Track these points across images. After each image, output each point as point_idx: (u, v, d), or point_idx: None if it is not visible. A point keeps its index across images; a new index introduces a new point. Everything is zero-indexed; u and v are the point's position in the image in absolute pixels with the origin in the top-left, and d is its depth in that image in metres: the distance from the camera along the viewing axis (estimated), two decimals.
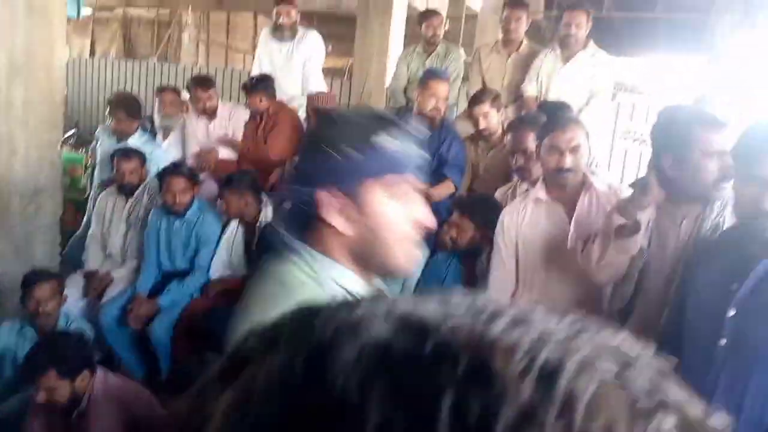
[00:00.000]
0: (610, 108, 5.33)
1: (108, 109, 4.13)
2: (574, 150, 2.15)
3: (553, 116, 2.76)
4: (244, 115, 4.18)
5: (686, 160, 1.72)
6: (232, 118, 4.20)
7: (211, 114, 4.19)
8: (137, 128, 4.08)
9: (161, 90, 4.52)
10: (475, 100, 3.49)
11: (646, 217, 1.77)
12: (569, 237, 2.21)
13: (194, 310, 3.26)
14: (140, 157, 3.61)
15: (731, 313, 1.37)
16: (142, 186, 3.64)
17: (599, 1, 9.29)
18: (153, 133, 4.50)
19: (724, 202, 1.75)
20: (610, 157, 5.44)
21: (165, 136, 4.37)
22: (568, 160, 2.15)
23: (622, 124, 5.75)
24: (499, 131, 3.50)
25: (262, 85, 3.99)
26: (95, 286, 3.46)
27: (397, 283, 2.95)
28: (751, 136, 1.41)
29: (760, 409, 1.33)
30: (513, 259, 2.38)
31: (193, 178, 3.38)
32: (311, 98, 3.89)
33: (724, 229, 1.70)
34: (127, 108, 4.04)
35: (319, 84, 4.61)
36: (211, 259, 3.38)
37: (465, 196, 3.20)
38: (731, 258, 1.43)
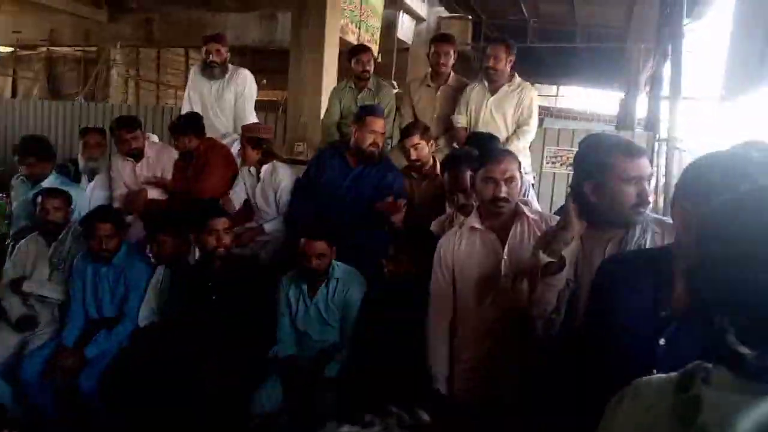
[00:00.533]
0: (538, 134, 5.54)
1: (16, 156, 3.95)
2: (509, 180, 2.24)
3: (484, 147, 2.85)
4: (172, 154, 4.08)
5: (605, 186, 1.79)
6: (160, 158, 4.07)
7: (137, 155, 4.05)
8: (51, 170, 3.92)
9: (85, 131, 4.36)
10: (405, 133, 3.56)
11: (570, 249, 1.81)
12: (502, 264, 2.28)
13: (124, 360, 3.11)
14: (65, 196, 3.47)
15: (662, 342, 1.38)
16: (66, 229, 3.48)
17: (524, 33, 9.72)
18: (77, 176, 4.33)
19: (644, 225, 1.82)
20: (539, 181, 5.62)
21: (90, 179, 4.20)
22: (504, 190, 2.23)
23: (549, 149, 5.97)
24: (431, 162, 3.58)
25: (189, 124, 3.91)
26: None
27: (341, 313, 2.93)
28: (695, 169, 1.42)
29: None
30: (450, 287, 2.44)
31: (119, 222, 3.26)
32: (246, 128, 3.83)
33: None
34: (36, 151, 3.88)
35: (252, 120, 4.57)
36: (140, 305, 3.25)
37: (399, 231, 3.23)
38: (652, 278, 1.45)
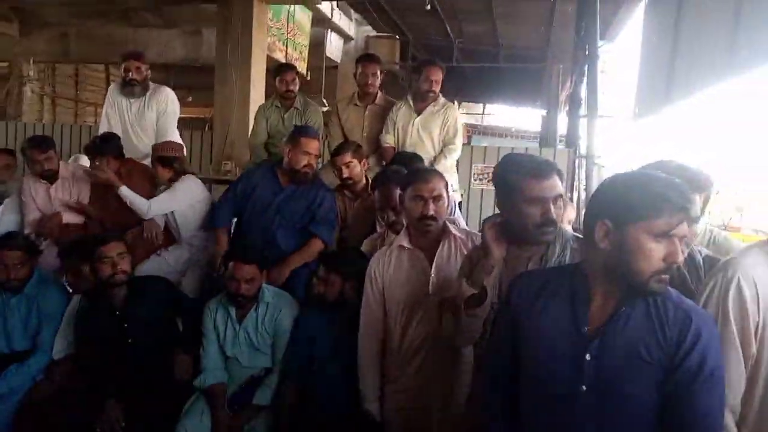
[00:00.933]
0: (465, 152, 5.67)
1: None
2: (437, 199, 2.28)
3: (411, 167, 2.89)
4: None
5: (512, 206, 1.84)
6: (76, 180, 3.86)
7: (51, 177, 3.82)
8: None
9: None
10: (337, 151, 3.56)
11: (493, 274, 1.84)
12: (430, 283, 2.30)
13: (39, 395, 2.91)
14: None
15: (588, 357, 1.39)
16: None
17: (449, 52, 9.97)
18: None
19: (564, 242, 1.88)
20: (467, 198, 5.75)
21: None
22: (431, 208, 2.26)
23: (476, 166, 6.12)
24: (363, 181, 3.59)
25: (107, 146, 3.74)
26: None
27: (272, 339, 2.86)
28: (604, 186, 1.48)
29: None
30: (381, 307, 2.44)
31: (30, 249, 3.07)
32: (155, 147, 3.71)
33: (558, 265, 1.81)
34: None
35: (174, 140, 4.43)
36: (55, 336, 3.05)
37: (330, 251, 3.21)
38: (567, 296, 1.47)
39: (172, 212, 3.61)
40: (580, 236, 1.99)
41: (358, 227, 3.59)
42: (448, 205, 2.42)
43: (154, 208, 3.54)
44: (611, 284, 1.42)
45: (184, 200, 3.58)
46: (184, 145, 4.33)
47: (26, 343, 3.07)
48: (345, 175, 3.50)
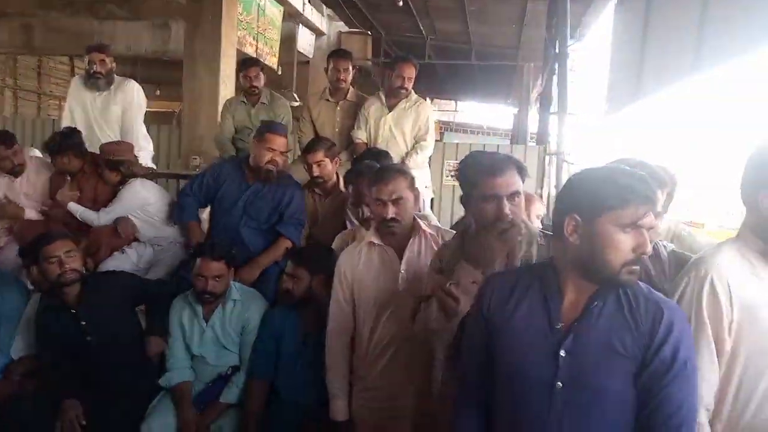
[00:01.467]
0: (437, 148, 5.67)
1: None
2: (397, 201, 2.25)
3: (377, 167, 2.87)
4: (51, 171, 3.78)
5: (469, 203, 1.88)
6: (39, 175, 3.77)
7: (19, 172, 3.72)
8: None
9: None
10: (309, 149, 3.50)
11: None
12: (399, 278, 2.29)
13: None
14: None
15: (562, 353, 1.39)
16: None
17: (422, 49, 9.98)
18: None
19: (530, 238, 1.88)
20: (439, 195, 5.76)
21: None
22: (391, 211, 2.24)
23: (448, 162, 6.13)
24: (334, 179, 3.55)
25: (68, 142, 3.61)
26: None
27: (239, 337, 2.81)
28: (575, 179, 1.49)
29: None
30: (350, 304, 2.42)
31: None
32: (102, 150, 3.59)
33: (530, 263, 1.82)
34: None
35: (141, 135, 4.34)
36: (13, 337, 2.95)
37: (298, 248, 3.17)
38: (538, 293, 1.48)
39: None
40: (547, 232, 2.00)
41: (328, 225, 3.56)
42: (416, 202, 2.39)
43: (102, 218, 3.48)
44: (582, 279, 1.42)
45: (132, 205, 3.50)
46: (144, 145, 4.22)
47: None
48: (316, 174, 3.46)
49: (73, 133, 3.71)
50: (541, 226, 2.28)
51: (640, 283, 1.43)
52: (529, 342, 1.44)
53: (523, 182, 1.86)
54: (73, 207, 3.48)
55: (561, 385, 1.38)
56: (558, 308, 1.44)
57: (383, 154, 3.44)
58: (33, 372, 2.89)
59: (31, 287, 3.11)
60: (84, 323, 2.77)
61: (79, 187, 3.65)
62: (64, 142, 3.60)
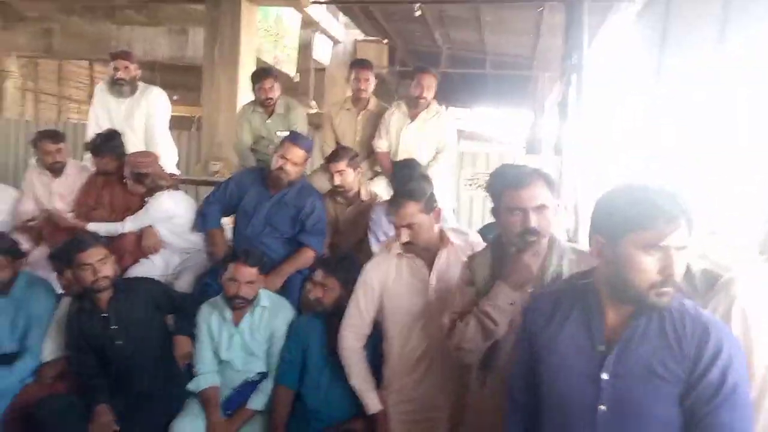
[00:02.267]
0: (455, 157, 5.69)
1: None
2: (410, 226, 2.31)
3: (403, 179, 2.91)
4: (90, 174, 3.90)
5: (498, 216, 1.91)
6: (77, 179, 3.87)
7: (58, 170, 3.85)
8: None
9: None
10: (331, 158, 3.54)
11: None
12: (430, 289, 2.32)
13: (27, 398, 2.86)
14: None
15: (605, 376, 1.36)
16: None
17: (437, 59, 10.03)
18: None
19: (561, 253, 1.90)
20: (457, 203, 5.78)
21: None
22: (405, 235, 2.32)
23: (466, 171, 6.15)
24: (356, 188, 3.59)
25: (109, 144, 3.71)
26: None
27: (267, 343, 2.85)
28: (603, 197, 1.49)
29: None
30: (372, 310, 2.47)
31: (13, 252, 3.01)
32: (129, 162, 3.62)
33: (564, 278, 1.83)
34: None
35: (164, 142, 4.40)
36: (44, 339, 3.01)
37: (329, 256, 3.20)
38: (581, 314, 1.46)
39: None
40: (577, 246, 2.02)
41: (350, 233, 3.61)
42: (437, 218, 2.41)
43: (126, 226, 3.52)
44: (619, 299, 1.39)
45: (158, 218, 3.53)
46: (167, 152, 4.27)
47: (14, 346, 3.02)
48: (337, 183, 3.50)
49: (113, 135, 3.80)
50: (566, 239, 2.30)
51: (687, 301, 1.40)
52: (571, 364, 1.43)
53: (552, 195, 1.88)
54: (93, 227, 3.50)
55: (604, 408, 1.36)
56: (600, 329, 1.41)
57: (413, 165, 3.43)
58: (64, 374, 2.95)
59: (60, 291, 3.17)
60: (114, 327, 2.83)
61: (101, 192, 3.72)
62: (105, 144, 3.70)
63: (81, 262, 2.75)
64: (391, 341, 2.43)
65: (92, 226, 3.50)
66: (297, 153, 3.36)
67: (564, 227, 2.83)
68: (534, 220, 1.81)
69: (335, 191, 3.59)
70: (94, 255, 2.77)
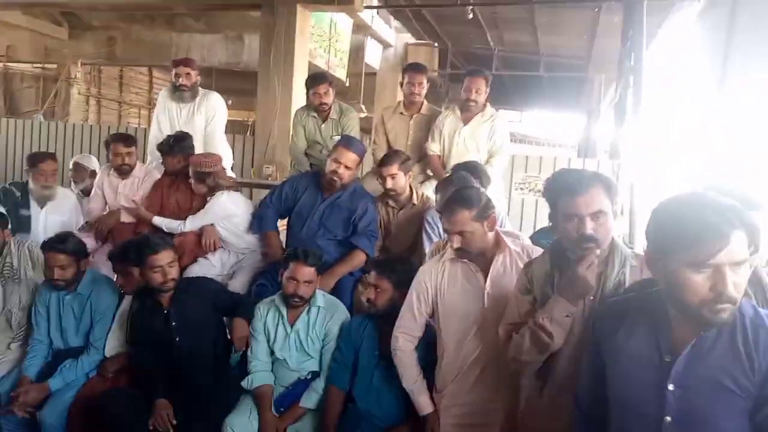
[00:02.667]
0: (507, 161, 5.63)
1: None
2: (461, 233, 2.29)
3: (469, 178, 2.90)
4: (156, 178, 4.09)
5: (555, 222, 1.86)
6: (144, 181, 4.05)
7: (127, 172, 4.06)
8: None
9: (38, 158, 4.17)
10: (384, 162, 3.57)
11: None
12: (485, 296, 2.30)
13: (91, 391, 2.98)
14: None
15: (671, 387, 1.34)
16: (5, 246, 3.38)
17: (489, 61, 9.94)
18: (25, 200, 4.16)
19: (623, 260, 1.85)
20: (508, 207, 5.71)
21: (41, 205, 4.12)
22: (456, 242, 2.29)
23: (517, 175, 6.07)
24: (408, 191, 3.60)
25: (180, 145, 3.90)
26: None
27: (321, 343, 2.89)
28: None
29: None
30: (423, 315, 2.47)
31: (77, 252, 3.13)
32: (193, 162, 3.73)
33: (628, 287, 1.78)
34: None
35: (222, 145, 4.52)
36: (107, 335, 3.14)
37: (383, 258, 3.22)
38: (649, 323, 1.42)
39: None
40: (638, 253, 1.96)
41: (402, 236, 3.62)
42: (492, 224, 2.35)
43: (188, 225, 3.64)
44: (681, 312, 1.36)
45: (218, 217, 3.64)
46: (224, 155, 4.40)
47: (80, 340, 3.16)
48: (389, 186, 3.52)
49: (185, 137, 3.99)
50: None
51: (765, 312, 1.34)
52: (637, 374, 1.40)
53: (612, 202, 1.82)
54: (158, 220, 3.68)
55: (669, 419, 1.34)
56: (668, 340, 1.38)
57: (478, 168, 3.39)
58: (125, 369, 3.06)
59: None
60: (174, 324, 2.92)
61: (168, 192, 3.87)
62: (177, 145, 3.89)
63: (153, 264, 2.86)
64: (444, 345, 2.41)
65: (157, 220, 3.67)
66: (350, 157, 3.40)
67: (620, 232, 2.75)
68: (590, 227, 1.76)
69: (387, 194, 3.61)
70: (165, 258, 2.88)
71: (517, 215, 5.82)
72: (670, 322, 1.39)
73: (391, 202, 3.65)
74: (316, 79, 4.60)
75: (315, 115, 4.62)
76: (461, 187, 2.49)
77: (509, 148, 4.26)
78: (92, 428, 2.86)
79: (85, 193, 4.49)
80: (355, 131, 4.60)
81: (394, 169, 3.49)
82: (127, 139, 4.12)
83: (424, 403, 2.46)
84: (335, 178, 3.39)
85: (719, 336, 1.33)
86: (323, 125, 4.60)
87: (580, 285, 1.75)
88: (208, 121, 4.51)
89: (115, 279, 3.32)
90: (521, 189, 5.96)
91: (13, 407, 2.89)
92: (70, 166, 4.67)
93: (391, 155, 3.63)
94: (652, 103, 6.08)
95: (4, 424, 2.91)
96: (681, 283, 1.26)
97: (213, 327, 3.04)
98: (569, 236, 1.79)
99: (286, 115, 6.43)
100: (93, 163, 4.76)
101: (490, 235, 2.34)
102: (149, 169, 4.22)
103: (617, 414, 1.46)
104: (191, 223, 3.64)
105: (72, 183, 4.70)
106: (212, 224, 3.63)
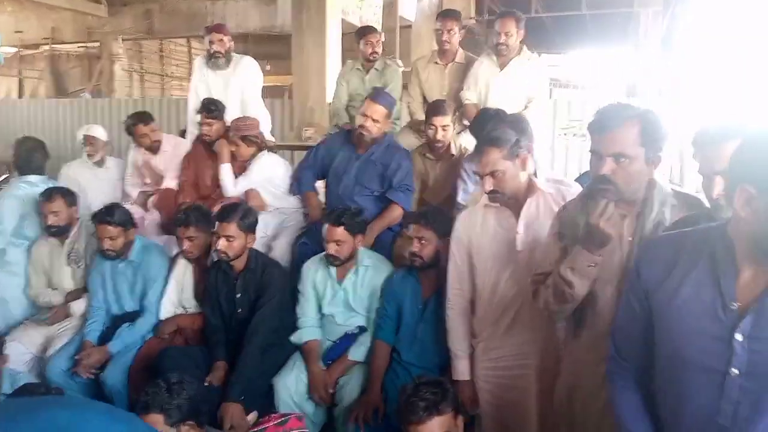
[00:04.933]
0: (548, 106, 5.45)
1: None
2: (493, 173, 2.22)
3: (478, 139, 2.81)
4: (186, 146, 4.16)
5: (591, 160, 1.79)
6: (176, 152, 4.15)
7: (155, 149, 4.16)
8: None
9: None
10: (437, 111, 3.48)
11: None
12: (518, 239, 2.27)
13: (149, 352, 3.13)
14: (64, 197, 3.46)
15: (739, 338, 1.22)
16: (75, 226, 3.53)
17: (527, 3, 9.56)
18: None
19: (663, 199, 1.77)
20: (552, 154, 5.57)
21: None
22: (489, 184, 2.24)
23: (560, 119, 5.88)
24: (447, 142, 3.55)
25: (215, 109, 3.95)
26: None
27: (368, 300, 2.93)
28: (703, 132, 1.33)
29: None
30: (466, 265, 2.45)
31: (125, 223, 3.23)
32: (236, 127, 3.77)
33: (669, 226, 1.71)
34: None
35: (258, 109, 4.54)
36: (161, 298, 3.26)
37: (423, 210, 3.21)
38: (708, 266, 1.29)
39: None
40: (680, 190, 1.88)
41: (440, 189, 3.59)
42: (524, 165, 2.28)
43: (237, 188, 3.71)
44: (760, 256, 1.22)
45: (261, 178, 3.69)
46: (262, 119, 4.42)
47: (135, 305, 3.31)
48: (440, 137, 3.47)
49: (215, 102, 4.01)
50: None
51: None
52: (697, 322, 1.28)
53: (648, 145, 1.71)
54: (225, 169, 3.73)
55: (737, 372, 1.23)
56: (732, 286, 1.25)
57: (498, 112, 3.31)
58: (179, 330, 3.20)
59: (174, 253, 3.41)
60: (239, 295, 3.02)
61: (205, 161, 3.93)
62: (215, 108, 3.95)
63: (218, 232, 2.95)
64: (480, 292, 2.40)
65: (225, 168, 3.72)
66: (377, 109, 3.36)
67: (668, 170, 2.63)
68: (608, 169, 1.68)
69: (427, 146, 3.56)
70: (226, 229, 2.93)
71: (562, 161, 5.67)
72: (737, 265, 1.26)
73: (429, 155, 3.60)
74: (367, 29, 4.79)
75: (360, 67, 4.65)
76: (490, 129, 2.42)
77: (547, 92, 4.11)
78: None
79: (99, 165, 4.49)
80: (396, 85, 4.57)
81: (448, 119, 3.45)
82: (144, 118, 4.18)
83: (460, 369, 2.47)
84: (364, 132, 3.37)
85: None
86: (367, 77, 4.62)
87: (597, 235, 1.67)
88: (244, 86, 4.52)
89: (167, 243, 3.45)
90: (565, 134, 5.78)
91: (77, 370, 3.07)
92: (81, 139, 4.55)
93: (442, 105, 3.55)
94: (701, 37, 5.74)
95: (71, 385, 3.09)
96: None
97: (275, 309, 3.00)
98: (594, 173, 1.73)
99: (321, 76, 6.41)
100: (102, 133, 4.61)
101: (523, 175, 2.28)
102: (177, 140, 4.32)
103: (668, 366, 1.35)
104: (239, 187, 3.71)
105: (86, 156, 4.54)
106: (254, 189, 3.68)
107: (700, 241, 1.33)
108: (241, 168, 3.78)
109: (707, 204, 1.82)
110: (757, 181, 1.16)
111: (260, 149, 3.76)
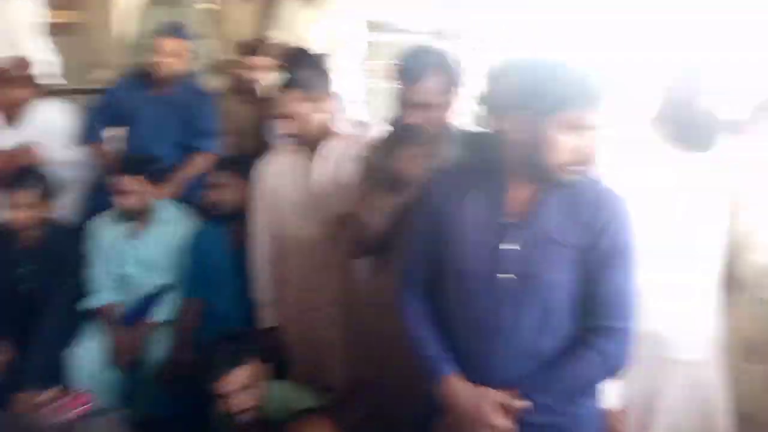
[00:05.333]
0: (362, 48, 5.45)
1: None
2: (290, 116, 2.22)
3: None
4: None
5: None
6: None
7: None
8: None
9: None
10: (246, 50, 3.41)
11: None
12: (313, 183, 2.27)
13: None
14: None
15: (506, 246, 1.40)
16: None
17: None
18: None
19: (455, 138, 1.88)
20: (366, 97, 5.63)
21: None
22: (287, 127, 2.25)
23: (375, 63, 5.93)
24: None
25: None
26: None
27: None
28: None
29: (549, 342, 1.39)
30: (266, 212, 2.42)
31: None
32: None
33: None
34: None
35: (40, 46, 3.94)
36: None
37: (223, 156, 3.07)
38: (486, 190, 1.47)
39: None
40: (473, 130, 1.97)
41: (255, 132, 3.43)
42: (329, 109, 2.31)
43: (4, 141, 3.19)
44: (526, 174, 1.41)
45: (38, 128, 3.24)
46: (41, 57, 3.84)
47: None
48: (252, 77, 3.36)
49: None
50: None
51: (585, 177, 1.43)
52: (474, 237, 1.45)
53: (452, 90, 1.87)
54: None
55: (505, 278, 1.40)
56: (501, 203, 1.44)
57: (303, 53, 3.25)
58: None
59: None
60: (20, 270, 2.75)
61: None
62: None
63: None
64: (277, 234, 2.39)
65: None
66: (171, 44, 3.14)
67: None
68: (414, 117, 1.80)
69: (238, 88, 3.43)
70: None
71: (375, 105, 5.76)
72: (505, 187, 1.45)
73: (239, 96, 3.45)
74: None
75: (149, 1, 4.19)
76: (291, 69, 2.39)
77: (360, 34, 4.12)
78: None
79: None
80: (197, 20, 4.13)
81: (268, 61, 3.32)
82: None
83: (266, 316, 2.47)
84: (158, 71, 3.15)
85: (552, 196, 1.41)
86: (155, 11, 4.16)
87: (401, 179, 1.77)
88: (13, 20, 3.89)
89: None
90: (375, 77, 5.86)
91: None
92: None
93: (252, 44, 3.49)
94: None
95: None
96: (552, 143, 1.31)
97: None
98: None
99: (110, 12, 5.78)
100: None
101: (323, 118, 2.25)
102: None
103: (454, 276, 1.50)
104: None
105: None
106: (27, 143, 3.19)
107: (478, 169, 1.53)
108: (10, 117, 3.26)
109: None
110: (528, 108, 1.33)
111: (35, 95, 3.28)
